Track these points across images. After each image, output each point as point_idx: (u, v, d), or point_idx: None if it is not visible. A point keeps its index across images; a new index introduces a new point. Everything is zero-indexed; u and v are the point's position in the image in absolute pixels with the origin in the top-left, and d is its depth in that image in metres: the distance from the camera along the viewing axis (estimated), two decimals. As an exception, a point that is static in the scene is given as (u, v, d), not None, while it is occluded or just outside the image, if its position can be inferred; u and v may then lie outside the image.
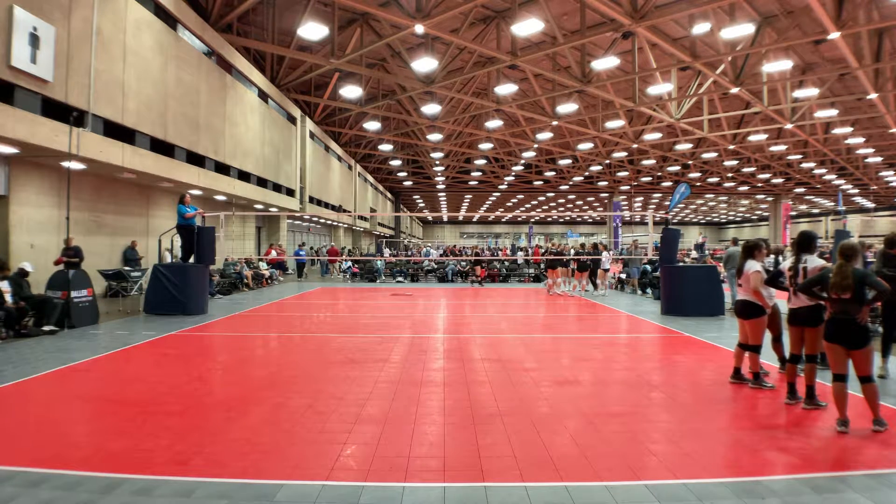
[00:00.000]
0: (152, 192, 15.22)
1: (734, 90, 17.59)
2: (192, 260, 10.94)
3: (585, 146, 28.46)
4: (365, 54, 16.81)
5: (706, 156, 30.26)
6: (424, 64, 16.00)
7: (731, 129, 24.18)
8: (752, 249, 5.35)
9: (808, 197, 50.00)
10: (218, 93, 15.26)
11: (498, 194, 50.76)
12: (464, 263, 21.59)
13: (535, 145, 28.70)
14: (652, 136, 26.58)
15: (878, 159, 31.64)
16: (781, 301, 5.29)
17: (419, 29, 13.38)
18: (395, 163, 35.41)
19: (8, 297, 7.73)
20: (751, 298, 5.18)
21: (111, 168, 11.29)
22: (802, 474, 3.25)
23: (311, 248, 29.44)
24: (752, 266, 5.20)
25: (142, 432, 3.89)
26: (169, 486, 3.05)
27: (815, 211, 61.60)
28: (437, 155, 31.94)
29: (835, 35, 12.68)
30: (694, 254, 12.79)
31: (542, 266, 15.67)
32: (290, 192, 21.97)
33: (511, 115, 23.95)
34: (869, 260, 8.30)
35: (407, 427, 4.04)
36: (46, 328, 8.04)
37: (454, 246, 40.07)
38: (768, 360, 5.89)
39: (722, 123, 23.54)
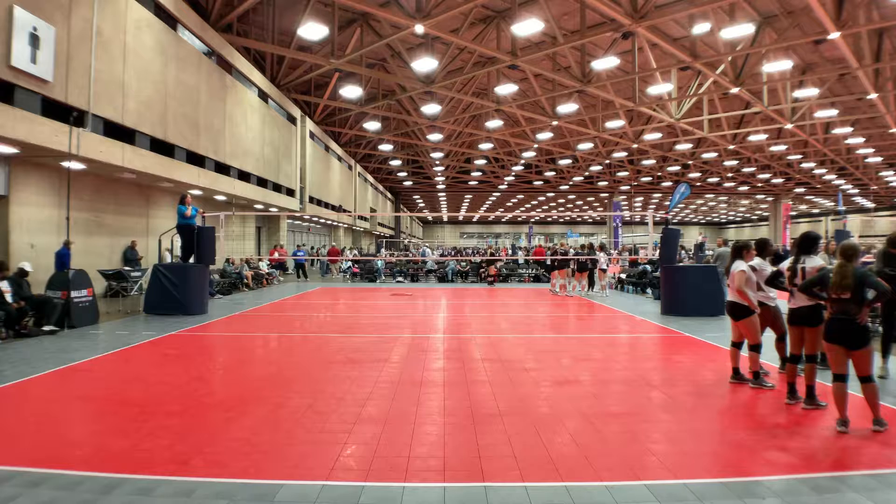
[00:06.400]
0: (152, 192, 15.22)
1: (734, 90, 17.59)
2: (192, 260, 10.94)
3: (585, 146, 28.46)
4: (365, 54, 16.81)
5: (706, 156, 30.26)
6: (424, 64, 16.00)
7: (731, 129, 24.18)
8: (740, 250, 5.36)
9: (808, 197, 50.00)
10: (218, 93, 15.26)
11: (498, 194, 50.76)
12: (463, 264, 21.60)
13: (535, 145, 28.70)
14: (652, 136, 26.58)
15: (878, 159, 31.63)
16: (783, 301, 5.30)
17: (419, 29, 13.38)
18: (395, 163, 35.41)
19: (8, 297, 7.73)
20: (737, 299, 5.20)
21: (111, 168, 11.29)
22: (802, 474, 3.25)
23: (312, 248, 29.46)
24: (738, 266, 5.22)
25: (142, 432, 3.89)
26: (169, 486, 3.05)
27: (815, 211, 61.59)
28: (437, 155, 31.94)
29: (835, 35, 12.68)
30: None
31: (547, 265, 15.63)
32: (290, 192, 21.96)
33: (511, 115, 23.94)
34: (867, 261, 8.30)
35: (407, 427, 4.04)
36: (46, 328, 8.04)
37: (454, 247, 40.22)
38: (768, 360, 5.90)
39: (722, 123, 23.54)
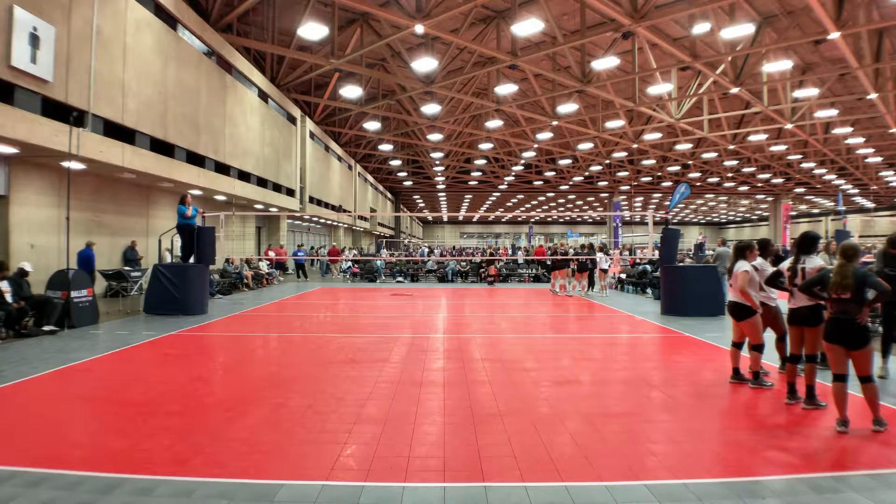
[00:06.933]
0: (152, 192, 15.22)
1: (734, 90, 17.58)
2: (192, 260, 10.95)
3: (585, 146, 28.46)
4: (365, 54, 16.81)
5: (706, 156, 30.26)
6: (424, 64, 16.00)
7: (731, 129, 24.18)
8: (743, 250, 5.35)
9: (808, 197, 50.00)
10: (218, 93, 15.26)
11: (498, 194, 50.76)
12: (463, 263, 21.60)
13: (535, 145, 28.70)
14: (652, 136, 26.58)
15: (878, 159, 31.63)
16: (783, 301, 5.30)
17: (419, 29, 13.38)
18: (395, 163, 35.41)
19: (8, 297, 7.73)
20: (740, 299, 5.19)
21: (111, 168, 11.28)
22: (802, 474, 3.25)
23: (312, 248, 29.46)
24: (741, 266, 5.20)
25: (142, 432, 3.89)
26: (169, 486, 3.05)
27: (815, 211, 61.59)
28: (437, 155, 31.94)
29: (835, 35, 12.67)
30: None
31: (547, 265, 15.65)
32: (290, 192, 21.97)
33: (511, 115, 23.94)
34: (867, 261, 8.30)
35: (407, 427, 4.04)
36: (46, 328, 8.04)
37: (453, 247, 40.30)
38: (768, 360, 5.89)
39: (722, 123, 23.53)
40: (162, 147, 12.42)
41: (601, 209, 54.02)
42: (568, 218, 72.50)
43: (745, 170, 35.10)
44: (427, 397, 4.84)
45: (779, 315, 5.51)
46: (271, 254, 20.65)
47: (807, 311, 4.52)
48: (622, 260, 20.72)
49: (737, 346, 5.47)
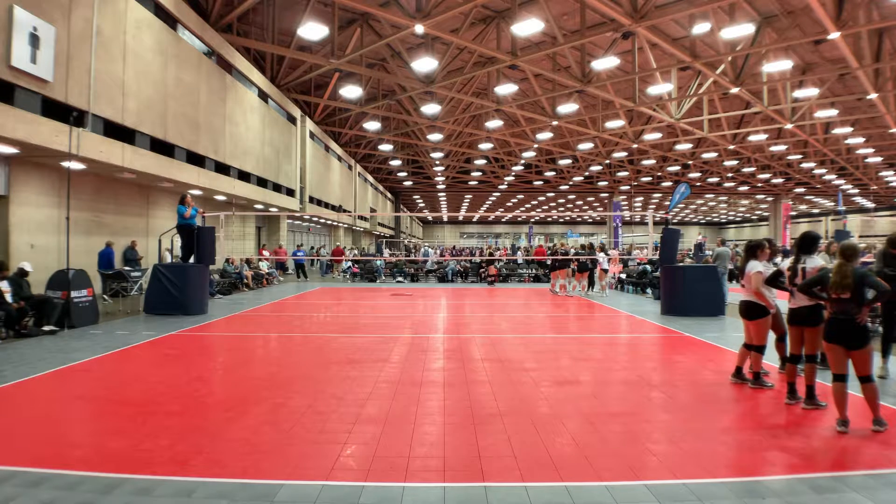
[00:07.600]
0: (152, 192, 15.22)
1: (734, 90, 17.59)
2: (192, 260, 10.95)
3: (585, 146, 28.47)
4: (365, 54, 16.82)
5: (706, 156, 30.26)
6: (424, 64, 16.00)
7: (731, 129, 24.18)
8: (754, 249, 5.32)
9: (808, 197, 49.99)
10: (218, 93, 15.26)
11: (498, 194, 50.76)
12: (463, 263, 21.59)
13: (535, 145, 28.70)
14: (652, 136, 26.58)
15: (878, 159, 31.63)
16: (783, 301, 5.29)
17: (419, 29, 13.38)
18: (395, 163, 35.41)
19: (8, 297, 7.73)
20: (754, 299, 5.17)
21: (111, 168, 11.29)
22: (802, 474, 3.25)
23: (311, 248, 29.47)
24: (754, 266, 5.18)
25: (142, 432, 3.89)
26: (169, 486, 3.05)
27: (815, 211, 61.58)
28: (437, 155, 31.95)
29: (835, 35, 12.68)
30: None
31: (547, 265, 15.65)
32: (290, 192, 21.97)
33: (511, 115, 23.95)
34: (867, 261, 8.30)
35: (407, 427, 4.04)
36: (46, 328, 8.04)
37: (454, 247, 40.31)
38: (768, 359, 5.89)
39: (722, 123, 23.54)
40: (162, 147, 12.42)
41: (601, 209, 54.02)
42: (568, 218, 72.54)
43: (745, 170, 35.10)
44: (427, 397, 4.84)
45: (778, 315, 5.51)
46: (265, 253, 20.65)
47: (807, 311, 4.51)
48: (629, 260, 20.71)
49: (748, 347, 5.39)
